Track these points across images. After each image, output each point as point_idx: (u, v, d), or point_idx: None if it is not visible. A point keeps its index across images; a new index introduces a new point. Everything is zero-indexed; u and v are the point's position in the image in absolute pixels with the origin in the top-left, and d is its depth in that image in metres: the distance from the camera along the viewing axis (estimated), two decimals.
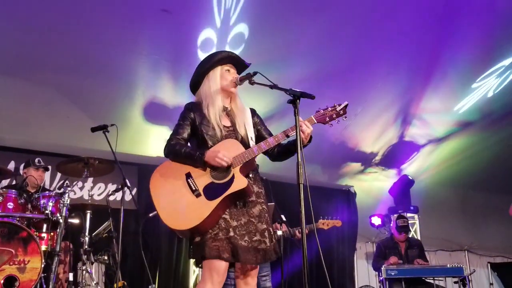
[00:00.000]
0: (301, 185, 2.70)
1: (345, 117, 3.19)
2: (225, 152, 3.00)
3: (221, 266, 2.92)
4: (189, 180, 3.04)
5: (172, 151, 3.10)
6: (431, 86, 8.06)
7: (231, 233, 2.96)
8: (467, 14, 7.04)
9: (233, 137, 3.17)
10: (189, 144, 3.24)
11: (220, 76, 3.24)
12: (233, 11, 6.24)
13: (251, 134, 3.23)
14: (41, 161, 5.86)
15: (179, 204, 3.00)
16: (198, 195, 2.99)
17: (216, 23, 6.30)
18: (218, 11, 6.19)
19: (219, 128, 3.15)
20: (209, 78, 3.26)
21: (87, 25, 6.05)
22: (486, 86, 8.09)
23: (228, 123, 3.23)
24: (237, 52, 3.37)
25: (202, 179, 3.05)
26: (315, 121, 3.16)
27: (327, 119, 3.16)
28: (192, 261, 7.20)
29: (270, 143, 3.09)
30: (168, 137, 3.20)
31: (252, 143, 3.17)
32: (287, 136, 3.10)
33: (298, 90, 2.81)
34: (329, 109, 3.18)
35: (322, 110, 3.18)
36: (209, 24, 6.31)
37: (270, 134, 3.32)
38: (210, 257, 2.90)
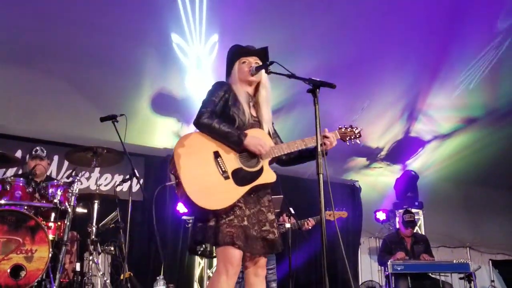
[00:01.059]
0: (321, 175, 2.67)
1: (360, 140, 3.49)
2: (266, 146, 3.04)
3: (235, 255, 2.89)
4: (218, 159, 3.00)
5: (207, 124, 3.04)
6: (437, 82, 8.05)
7: (245, 222, 2.95)
8: (474, 11, 7.04)
9: (257, 127, 3.20)
10: None
11: (238, 70, 3.28)
12: None
13: (271, 129, 3.30)
14: (39, 150, 5.76)
15: (207, 181, 2.94)
16: (226, 178, 2.96)
17: None
18: None
19: (248, 115, 3.16)
20: (232, 73, 3.32)
21: (96, 16, 6.06)
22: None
23: (254, 114, 3.26)
24: (244, 44, 3.32)
25: (231, 162, 3.02)
26: (338, 137, 3.39)
27: (347, 138, 3.44)
28: None
29: (295, 147, 3.18)
30: (199, 109, 3.13)
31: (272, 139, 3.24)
32: (305, 146, 3.19)
33: (317, 79, 2.78)
34: (349, 129, 3.44)
35: (343, 129, 3.44)
36: None
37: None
38: (223, 243, 2.87)
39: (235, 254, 2.89)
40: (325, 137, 3.21)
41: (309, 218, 5.83)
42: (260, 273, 3.14)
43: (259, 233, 3.00)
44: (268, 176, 3.04)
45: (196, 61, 6.98)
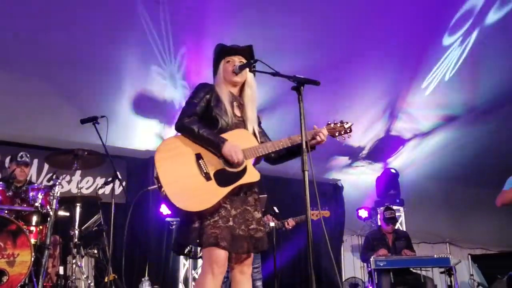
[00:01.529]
0: (306, 172, 2.69)
1: (350, 136, 3.41)
2: (241, 155, 3.00)
3: (221, 256, 2.88)
4: (200, 161, 3.00)
5: (188, 128, 3.04)
6: (417, 81, 8.14)
7: (231, 223, 2.95)
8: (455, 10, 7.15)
9: (242, 127, 3.19)
10: None
11: (223, 70, 3.28)
12: None
13: (257, 128, 3.27)
14: (24, 156, 5.70)
15: (189, 183, 2.93)
16: (208, 179, 2.95)
17: None
18: None
19: (231, 115, 3.16)
20: (217, 73, 3.32)
21: (75, 17, 5.98)
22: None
23: (239, 113, 3.25)
24: (228, 44, 3.33)
25: (214, 163, 3.01)
26: (327, 133, 3.32)
27: (337, 133, 3.37)
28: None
29: (280, 146, 3.15)
30: (180, 112, 3.14)
31: (258, 138, 3.22)
32: (291, 144, 3.16)
33: (302, 77, 2.80)
34: (338, 124, 3.37)
35: (332, 124, 3.37)
36: None
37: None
38: (207, 244, 2.87)
39: (220, 254, 2.88)
40: (316, 133, 3.22)
41: (289, 219, 5.86)
42: (246, 271, 3.14)
43: (247, 232, 3.01)
44: (252, 175, 3.03)
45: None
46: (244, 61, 3.24)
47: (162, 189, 2.91)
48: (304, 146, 2.75)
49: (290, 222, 5.85)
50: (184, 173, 2.96)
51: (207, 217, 2.92)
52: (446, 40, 7.68)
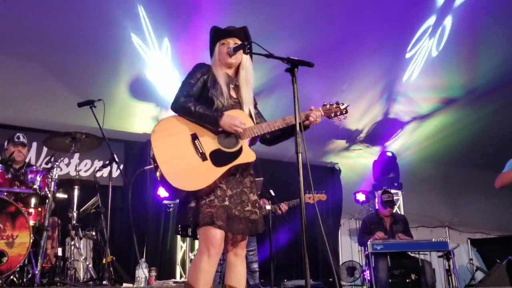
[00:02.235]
0: (299, 154, 2.70)
1: (346, 117, 3.42)
2: (238, 122, 3.02)
3: (216, 236, 2.89)
4: (195, 141, 3.01)
5: (184, 107, 3.05)
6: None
7: (226, 202, 2.96)
8: None
9: (238, 108, 3.20)
10: None
11: (218, 52, 3.28)
12: None
13: (253, 110, 3.28)
14: (21, 137, 5.70)
15: (184, 163, 2.95)
16: (204, 159, 2.96)
17: None
18: None
19: (227, 96, 3.17)
20: (213, 55, 3.33)
21: (72, 1, 5.96)
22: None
23: (234, 95, 3.26)
24: (223, 25, 3.32)
25: (209, 143, 3.02)
26: (323, 113, 3.33)
27: (332, 114, 3.38)
28: (179, 236, 7.24)
29: (276, 126, 3.15)
30: (177, 92, 3.15)
31: (253, 119, 3.23)
32: (286, 125, 3.16)
33: (295, 58, 2.80)
34: (334, 105, 3.38)
35: (328, 105, 3.38)
36: None
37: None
38: (203, 223, 2.88)
39: (216, 234, 2.90)
40: (309, 114, 3.22)
41: (282, 203, 5.87)
42: (240, 253, 3.16)
43: (242, 213, 3.02)
44: (247, 156, 3.04)
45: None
46: (239, 43, 3.24)
47: (158, 169, 2.92)
48: (297, 128, 2.76)
49: (283, 207, 5.86)
50: (180, 153, 2.97)
51: (203, 196, 2.93)
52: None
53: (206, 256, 2.90)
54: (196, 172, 2.93)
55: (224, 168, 2.97)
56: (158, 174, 2.97)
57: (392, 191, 8.01)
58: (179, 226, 3.16)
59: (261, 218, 3.15)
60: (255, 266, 5.78)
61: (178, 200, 3.24)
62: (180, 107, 3.08)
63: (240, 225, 3.00)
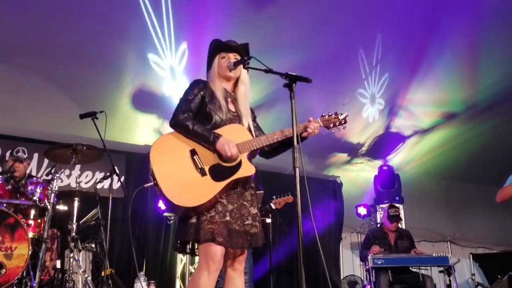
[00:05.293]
0: (297, 169, 2.70)
1: (344, 127, 3.43)
2: (234, 149, 3.00)
3: (217, 252, 2.90)
4: (194, 157, 3.02)
5: (183, 125, 3.06)
6: (417, 77, 8.13)
7: (227, 217, 2.96)
8: (454, 7, 7.12)
9: (236, 122, 3.21)
10: None
11: (218, 65, 3.30)
12: None
13: (251, 123, 3.29)
14: (20, 151, 5.71)
15: (184, 179, 2.95)
16: (203, 174, 2.97)
17: None
18: None
19: (226, 110, 3.18)
20: (212, 67, 3.34)
21: (75, 12, 5.99)
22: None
23: (233, 109, 3.28)
24: (224, 39, 3.35)
25: (208, 158, 3.02)
26: (321, 124, 3.34)
27: (331, 125, 3.39)
28: None
29: (274, 139, 3.17)
30: (175, 109, 3.17)
31: (252, 132, 3.24)
32: (285, 137, 3.17)
33: (294, 74, 2.82)
34: (333, 116, 3.40)
35: (327, 116, 3.39)
36: None
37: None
38: (204, 240, 2.88)
39: (217, 250, 2.90)
40: (307, 125, 3.24)
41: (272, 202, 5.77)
42: (238, 267, 3.15)
43: (242, 227, 3.02)
44: (247, 169, 3.04)
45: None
46: (239, 58, 3.26)
47: (158, 186, 2.92)
48: (295, 143, 2.76)
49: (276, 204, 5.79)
50: (179, 169, 2.98)
51: (204, 212, 2.92)
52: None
53: (206, 272, 2.90)
54: (195, 187, 2.93)
55: (224, 183, 2.96)
56: (158, 191, 2.97)
57: None
58: (178, 242, 3.15)
59: (261, 231, 3.14)
60: (247, 277, 5.72)
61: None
62: (178, 125, 3.10)
63: (240, 239, 2.99)
